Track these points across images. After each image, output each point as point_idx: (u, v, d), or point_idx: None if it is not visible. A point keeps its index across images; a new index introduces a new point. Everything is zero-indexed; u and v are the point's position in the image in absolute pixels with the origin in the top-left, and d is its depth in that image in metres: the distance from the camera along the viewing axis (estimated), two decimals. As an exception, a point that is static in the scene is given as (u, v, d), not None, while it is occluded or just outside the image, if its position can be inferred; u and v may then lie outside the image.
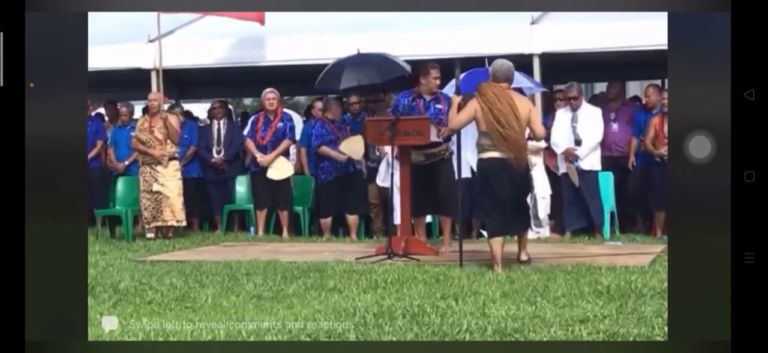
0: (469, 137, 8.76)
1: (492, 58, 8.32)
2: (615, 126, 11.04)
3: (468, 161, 9.37)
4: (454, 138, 8.59)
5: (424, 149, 8.99)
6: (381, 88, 11.21)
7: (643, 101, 11.32)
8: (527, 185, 8.12)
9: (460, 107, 7.99)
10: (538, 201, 10.22)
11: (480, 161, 7.89)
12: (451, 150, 9.09)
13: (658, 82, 12.04)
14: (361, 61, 10.69)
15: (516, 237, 8.13)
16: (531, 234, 9.06)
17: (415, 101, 9.34)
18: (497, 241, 7.74)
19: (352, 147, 10.97)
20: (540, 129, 8.13)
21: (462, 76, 8.58)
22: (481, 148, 7.83)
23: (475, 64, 9.83)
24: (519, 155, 7.69)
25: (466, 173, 9.39)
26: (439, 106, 9.27)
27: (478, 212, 8.61)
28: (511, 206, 7.81)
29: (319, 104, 11.68)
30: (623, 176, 10.90)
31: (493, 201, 7.81)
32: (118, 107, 12.61)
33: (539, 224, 10.31)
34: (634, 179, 10.86)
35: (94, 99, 13.16)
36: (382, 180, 10.64)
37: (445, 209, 9.26)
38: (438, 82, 9.37)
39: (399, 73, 10.37)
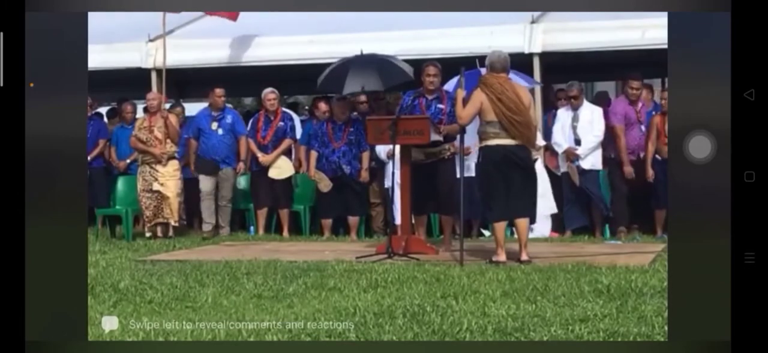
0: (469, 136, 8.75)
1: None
2: None
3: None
4: (458, 137, 8.60)
5: (425, 148, 8.95)
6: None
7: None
8: (532, 171, 8.23)
9: (464, 102, 8.06)
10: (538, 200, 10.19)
11: (486, 148, 7.99)
12: (452, 150, 9.07)
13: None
14: (365, 64, 10.63)
15: (517, 238, 8.17)
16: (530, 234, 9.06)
17: (417, 99, 9.26)
18: (501, 226, 8.06)
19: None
20: (535, 115, 8.58)
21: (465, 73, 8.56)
22: (485, 136, 7.97)
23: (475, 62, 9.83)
24: (529, 139, 8.06)
25: (468, 172, 9.36)
26: (440, 105, 9.17)
27: (481, 201, 8.64)
28: (515, 191, 8.00)
29: (322, 104, 11.55)
30: None
31: (499, 186, 7.97)
32: (123, 105, 12.58)
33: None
34: None
35: (99, 98, 13.14)
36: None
37: (446, 208, 9.25)
38: (434, 80, 9.20)
39: (403, 79, 10.34)
